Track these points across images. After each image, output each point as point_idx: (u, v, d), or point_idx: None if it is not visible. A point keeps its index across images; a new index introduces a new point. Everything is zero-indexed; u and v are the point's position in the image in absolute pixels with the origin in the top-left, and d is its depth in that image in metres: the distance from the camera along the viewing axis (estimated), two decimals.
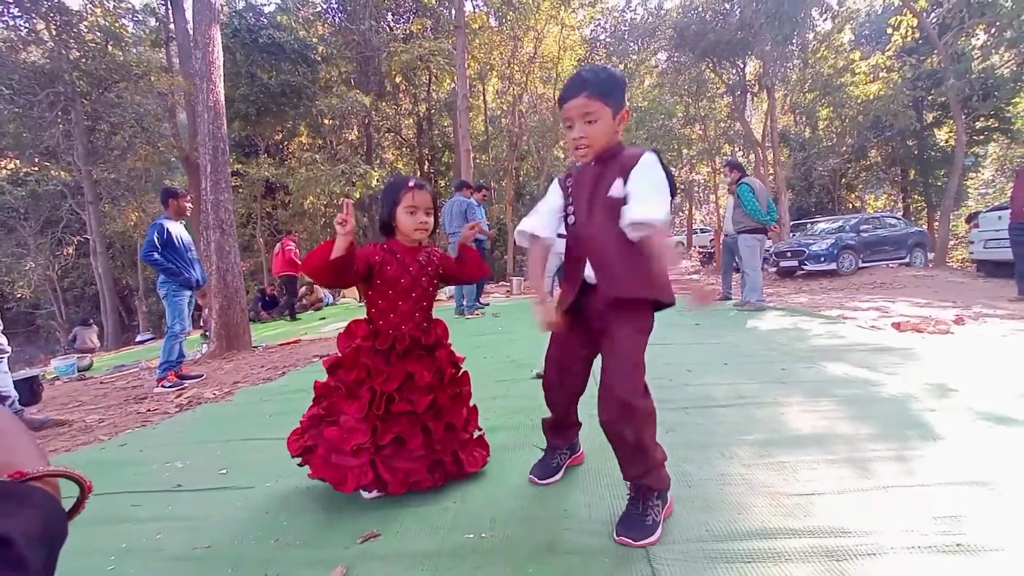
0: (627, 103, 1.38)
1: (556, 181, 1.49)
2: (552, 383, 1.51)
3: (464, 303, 6.44)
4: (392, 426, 1.55)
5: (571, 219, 1.41)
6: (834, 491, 1.45)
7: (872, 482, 1.50)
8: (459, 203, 6.11)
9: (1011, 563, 1.11)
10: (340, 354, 1.61)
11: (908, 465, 1.60)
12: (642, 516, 1.28)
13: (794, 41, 13.85)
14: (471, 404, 1.76)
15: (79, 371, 6.42)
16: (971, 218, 11.97)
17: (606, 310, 1.32)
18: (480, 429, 1.80)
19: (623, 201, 1.28)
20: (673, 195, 1.31)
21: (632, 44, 16.43)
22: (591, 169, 1.37)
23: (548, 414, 1.61)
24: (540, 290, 1.44)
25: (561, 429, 1.61)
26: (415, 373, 1.57)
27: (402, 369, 1.57)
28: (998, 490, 1.41)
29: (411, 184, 1.61)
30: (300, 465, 1.61)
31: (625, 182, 1.29)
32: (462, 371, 1.74)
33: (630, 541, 1.24)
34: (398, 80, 17.42)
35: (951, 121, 14.67)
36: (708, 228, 24.41)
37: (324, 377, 1.66)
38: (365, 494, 1.58)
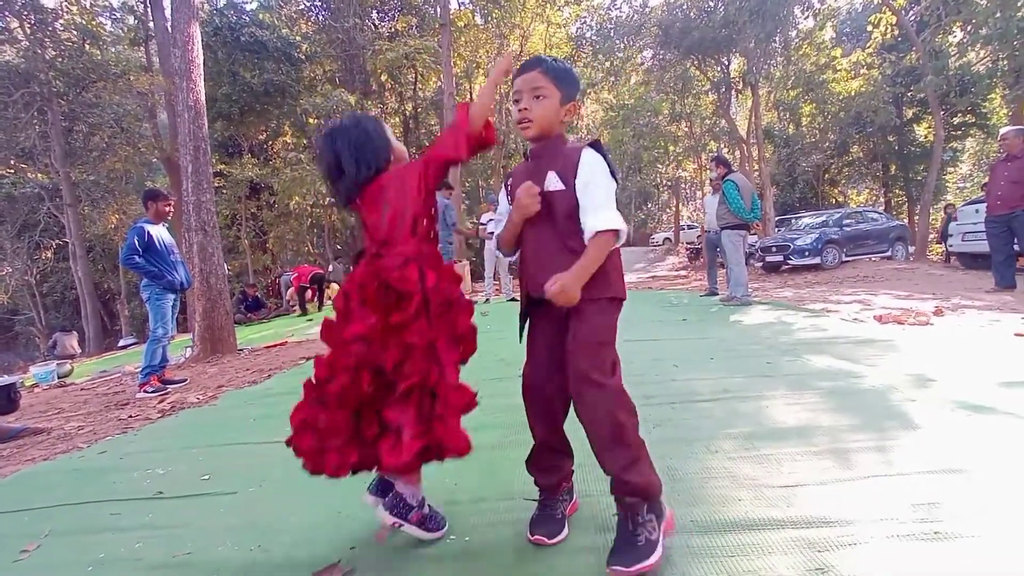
0: (579, 101, 1.36)
1: (503, 184, 1.42)
2: (536, 383, 1.29)
3: None
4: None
5: None
6: (816, 482, 1.47)
7: (853, 472, 1.52)
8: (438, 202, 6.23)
9: (986, 549, 1.13)
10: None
11: (888, 455, 1.62)
12: (633, 536, 1.13)
13: (777, 38, 13.97)
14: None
15: (59, 378, 6.28)
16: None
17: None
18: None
19: (560, 196, 1.23)
20: (616, 183, 1.26)
21: (618, 42, 16.43)
22: (525, 165, 1.35)
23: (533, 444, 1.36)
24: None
25: (549, 455, 1.34)
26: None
27: None
28: (974, 478, 1.44)
29: None
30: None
31: (563, 178, 1.23)
32: None
33: (622, 568, 1.08)
34: (383, 78, 17.29)
35: (930, 117, 14.95)
36: (695, 224, 24.68)
37: (304, 379, 1.43)
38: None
